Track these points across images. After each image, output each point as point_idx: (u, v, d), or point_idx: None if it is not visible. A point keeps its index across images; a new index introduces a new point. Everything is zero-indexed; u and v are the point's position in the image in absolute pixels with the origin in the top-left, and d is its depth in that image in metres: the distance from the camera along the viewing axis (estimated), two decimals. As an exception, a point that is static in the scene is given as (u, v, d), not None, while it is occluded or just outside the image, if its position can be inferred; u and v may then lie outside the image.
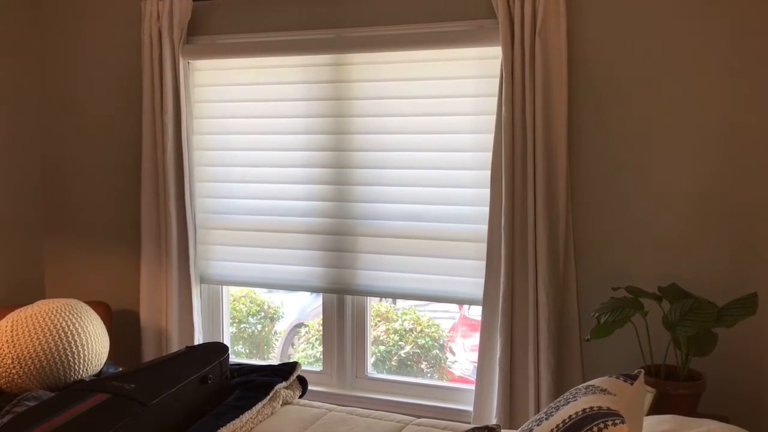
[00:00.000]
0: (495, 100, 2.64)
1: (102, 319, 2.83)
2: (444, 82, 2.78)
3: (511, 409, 2.65)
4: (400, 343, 3.42)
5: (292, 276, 3.07)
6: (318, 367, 3.18)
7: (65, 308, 2.65)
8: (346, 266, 2.98)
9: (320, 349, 3.22)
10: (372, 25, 2.84)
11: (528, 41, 2.54)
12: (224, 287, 3.29)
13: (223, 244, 3.16)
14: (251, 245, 3.11)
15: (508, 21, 2.56)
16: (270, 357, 3.64)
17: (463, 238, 2.79)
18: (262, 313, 3.70)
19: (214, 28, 3.08)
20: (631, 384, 1.76)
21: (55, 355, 2.53)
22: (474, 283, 2.77)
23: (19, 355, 2.50)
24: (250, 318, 3.70)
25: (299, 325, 3.84)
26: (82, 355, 2.59)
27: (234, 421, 2.21)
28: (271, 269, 3.10)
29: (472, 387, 2.78)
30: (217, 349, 2.58)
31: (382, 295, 2.97)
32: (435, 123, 2.80)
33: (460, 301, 2.89)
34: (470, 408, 2.77)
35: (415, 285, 2.87)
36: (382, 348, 3.35)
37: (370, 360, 3.12)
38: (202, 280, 3.20)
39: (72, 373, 2.57)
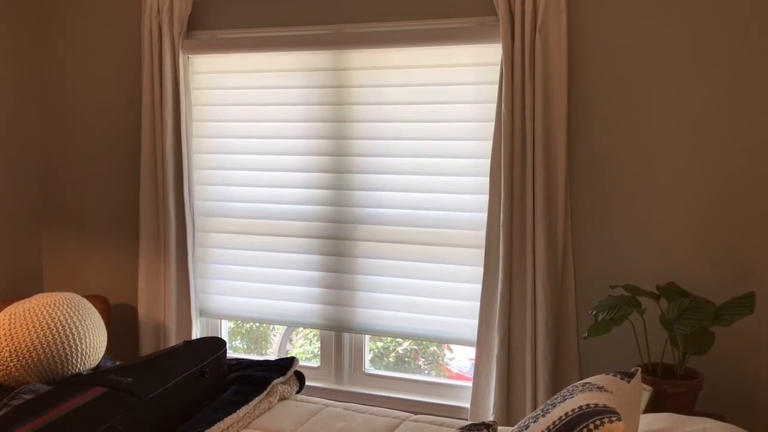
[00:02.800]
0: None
1: (100, 313, 2.83)
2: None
3: (508, 406, 2.66)
4: (398, 339, 3.42)
5: (290, 312, 3.09)
6: (316, 363, 3.19)
7: (63, 302, 2.65)
8: (345, 304, 3.00)
9: (318, 345, 3.22)
10: (372, 21, 2.84)
11: (528, 38, 2.54)
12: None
13: (222, 278, 3.17)
14: (250, 280, 3.13)
15: (509, 18, 2.56)
16: (268, 352, 3.64)
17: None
18: (260, 309, 3.69)
19: (214, 23, 3.08)
20: (628, 382, 1.77)
21: (52, 348, 2.53)
22: (471, 320, 2.78)
23: (17, 348, 2.50)
24: (248, 313, 3.69)
25: (297, 321, 3.83)
26: (79, 349, 2.59)
27: (231, 416, 2.22)
28: (269, 304, 3.11)
29: (470, 384, 2.79)
30: (214, 344, 2.58)
31: (379, 333, 3.02)
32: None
33: (457, 341, 2.92)
34: (467, 405, 2.78)
35: (413, 325, 2.90)
36: (379, 344, 3.35)
37: (368, 356, 3.12)
38: (202, 313, 3.20)
39: (69, 367, 2.57)
